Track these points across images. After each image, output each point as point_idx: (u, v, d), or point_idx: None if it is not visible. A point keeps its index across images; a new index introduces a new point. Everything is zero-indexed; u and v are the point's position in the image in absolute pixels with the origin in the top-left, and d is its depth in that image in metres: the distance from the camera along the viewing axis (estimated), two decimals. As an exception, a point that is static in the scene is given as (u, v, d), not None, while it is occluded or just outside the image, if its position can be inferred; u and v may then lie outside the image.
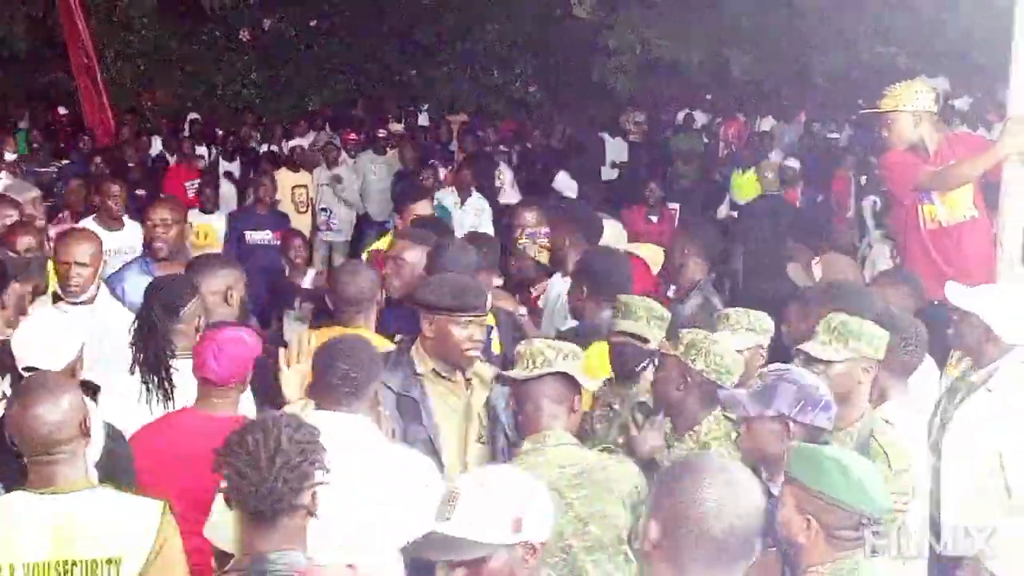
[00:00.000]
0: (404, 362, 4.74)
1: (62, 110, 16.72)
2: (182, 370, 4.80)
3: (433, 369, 4.72)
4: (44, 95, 18.56)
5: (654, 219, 12.01)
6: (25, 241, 6.54)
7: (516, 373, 4.24)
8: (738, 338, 5.05)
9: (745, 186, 13.82)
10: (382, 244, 7.58)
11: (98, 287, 6.09)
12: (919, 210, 6.81)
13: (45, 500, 3.49)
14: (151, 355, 4.88)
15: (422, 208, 7.59)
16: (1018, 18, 6.00)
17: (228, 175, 14.38)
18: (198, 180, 13.06)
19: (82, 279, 5.94)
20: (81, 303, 5.92)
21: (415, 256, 5.88)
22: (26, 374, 4.17)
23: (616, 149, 17.53)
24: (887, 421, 4.56)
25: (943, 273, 6.58)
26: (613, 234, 7.60)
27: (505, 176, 13.40)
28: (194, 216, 10.23)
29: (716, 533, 2.61)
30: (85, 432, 3.57)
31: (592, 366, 5.08)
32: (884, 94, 6.90)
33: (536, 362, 4.18)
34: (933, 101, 6.92)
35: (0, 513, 3.51)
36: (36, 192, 8.61)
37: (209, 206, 11.11)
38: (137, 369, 4.88)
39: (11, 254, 6.30)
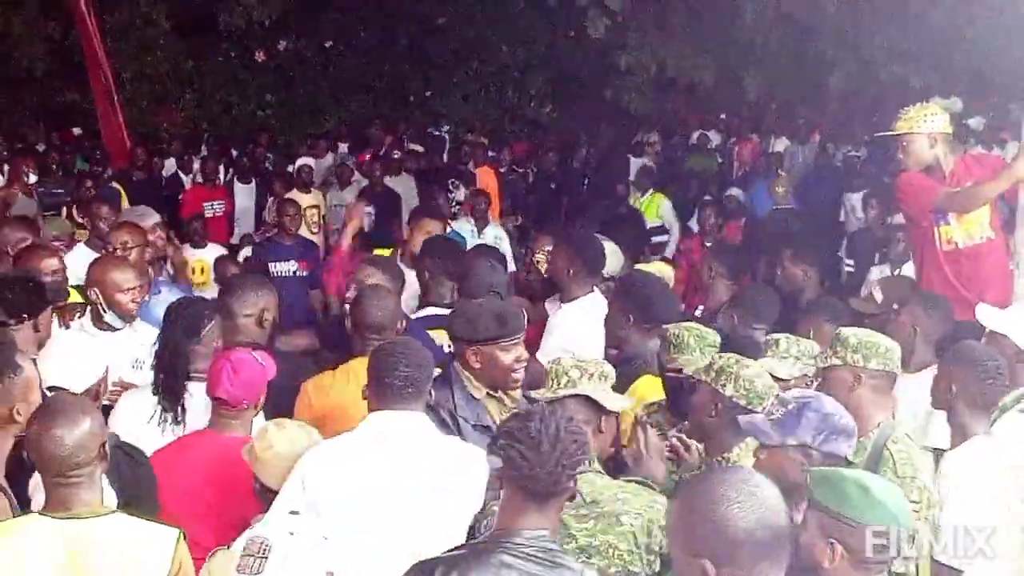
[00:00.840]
0: (464, 390, 4.72)
1: (77, 131, 16.75)
2: (195, 395, 4.85)
3: (488, 392, 4.73)
4: (62, 116, 18.63)
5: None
6: (51, 264, 6.55)
7: (540, 394, 4.24)
8: (785, 366, 5.02)
9: (647, 210, 13.83)
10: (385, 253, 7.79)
11: None
12: (936, 232, 6.82)
13: (62, 525, 3.48)
14: (172, 377, 4.93)
15: (434, 226, 7.60)
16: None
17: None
18: (219, 201, 13.08)
19: (137, 304, 6.00)
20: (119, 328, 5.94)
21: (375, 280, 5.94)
22: (49, 393, 4.20)
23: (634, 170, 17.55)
24: (937, 449, 4.58)
25: (960, 295, 6.61)
26: (615, 257, 7.63)
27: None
28: (188, 251, 10.26)
29: (767, 538, 2.64)
30: (103, 456, 3.57)
31: (643, 397, 5.10)
32: (899, 117, 6.90)
33: (560, 382, 4.19)
34: (947, 123, 6.92)
35: (17, 536, 3.51)
36: (157, 218, 8.64)
37: (198, 239, 10.65)
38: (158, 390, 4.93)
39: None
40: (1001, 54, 9.81)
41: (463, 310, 4.99)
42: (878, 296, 6.49)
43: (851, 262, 10.97)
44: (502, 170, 15.58)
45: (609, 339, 5.91)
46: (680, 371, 4.87)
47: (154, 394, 4.93)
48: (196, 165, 15.57)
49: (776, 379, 4.75)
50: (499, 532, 3.34)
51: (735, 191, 13.58)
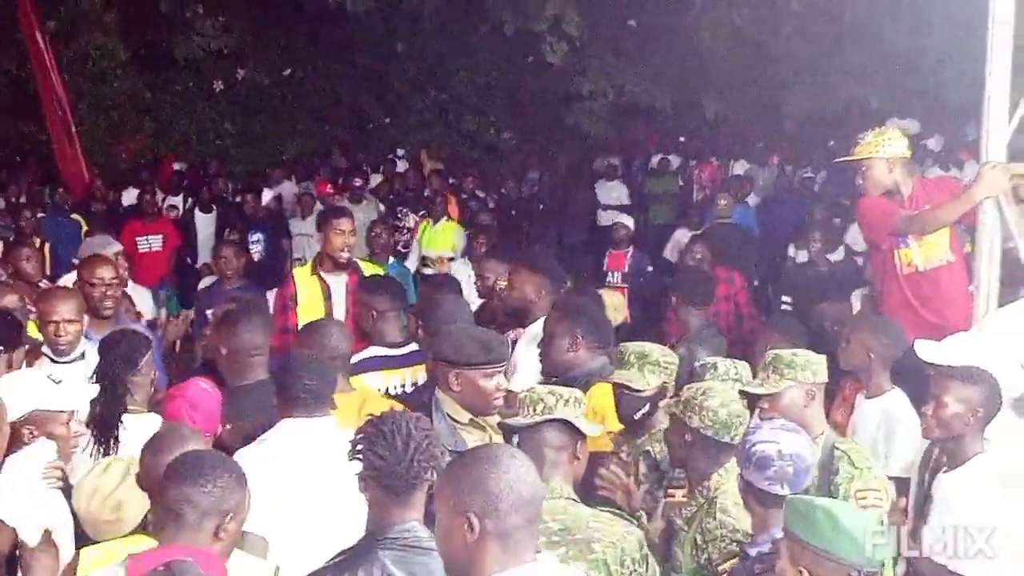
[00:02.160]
0: (446, 417, 4.72)
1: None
2: (129, 428, 4.87)
3: (471, 419, 4.73)
4: (18, 148, 18.51)
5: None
6: (10, 300, 6.49)
7: (516, 421, 4.23)
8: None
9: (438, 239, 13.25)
10: (305, 269, 7.75)
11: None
12: (896, 255, 6.86)
13: None
14: (108, 409, 4.93)
15: (345, 224, 7.61)
16: (990, 65, 6.09)
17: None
18: (155, 236, 12.79)
19: (71, 336, 5.96)
20: (73, 361, 5.89)
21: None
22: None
23: (610, 192, 17.67)
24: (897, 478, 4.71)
25: (921, 317, 6.65)
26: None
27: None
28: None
29: (525, 495, 2.87)
30: None
31: (602, 405, 5.16)
32: (857, 142, 6.95)
33: (536, 409, 4.17)
34: (906, 147, 6.98)
35: (120, 554, 3.57)
36: (119, 247, 8.58)
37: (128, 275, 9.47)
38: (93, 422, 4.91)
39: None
40: (956, 78, 9.93)
41: (448, 333, 4.99)
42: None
43: (788, 299, 10.67)
44: (463, 196, 15.58)
45: (551, 365, 5.75)
46: (619, 385, 5.05)
47: (88, 426, 4.87)
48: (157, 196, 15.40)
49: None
50: (371, 531, 3.49)
51: (622, 217, 12.93)
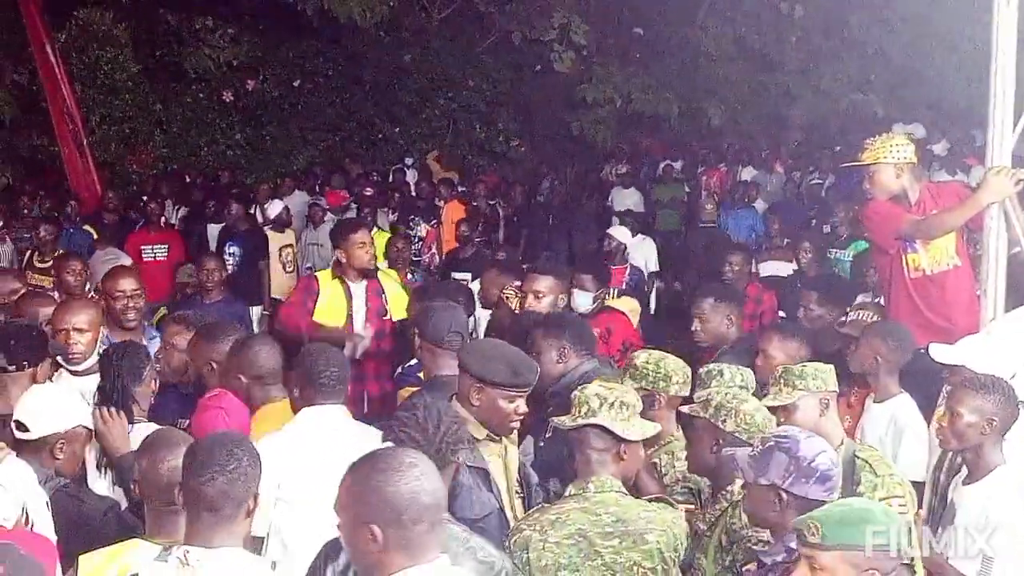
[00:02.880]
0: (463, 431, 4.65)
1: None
2: (134, 438, 4.87)
3: (488, 435, 4.68)
4: (30, 161, 18.61)
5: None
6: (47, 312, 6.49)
7: (561, 423, 4.32)
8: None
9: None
10: (326, 272, 7.92)
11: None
12: (903, 259, 6.90)
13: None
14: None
15: (362, 236, 7.76)
16: (995, 72, 6.16)
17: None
18: (160, 245, 12.68)
19: (82, 345, 5.94)
20: (89, 372, 5.87)
21: (184, 341, 5.90)
22: (16, 431, 4.28)
23: (624, 199, 17.75)
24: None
25: (929, 321, 6.71)
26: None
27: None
28: None
29: (426, 502, 2.97)
30: None
31: None
32: (865, 147, 7.02)
33: (581, 411, 4.25)
34: (913, 152, 7.03)
35: (122, 560, 3.64)
36: (129, 261, 8.65)
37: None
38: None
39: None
40: (959, 85, 10.01)
41: (480, 347, 5.02)
42: (867, 320, 6.60)
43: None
44: (474, 204, 15.67)
45: (544, 379, 5.43)
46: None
47: (95, 439, 4.93)
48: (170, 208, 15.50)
49: None
50: None
51: (616, 230, 12.25)
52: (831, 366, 5.12)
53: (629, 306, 7.88)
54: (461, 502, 4.26)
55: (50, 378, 5.70)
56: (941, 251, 6.87)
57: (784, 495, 3.79)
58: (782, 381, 4.99)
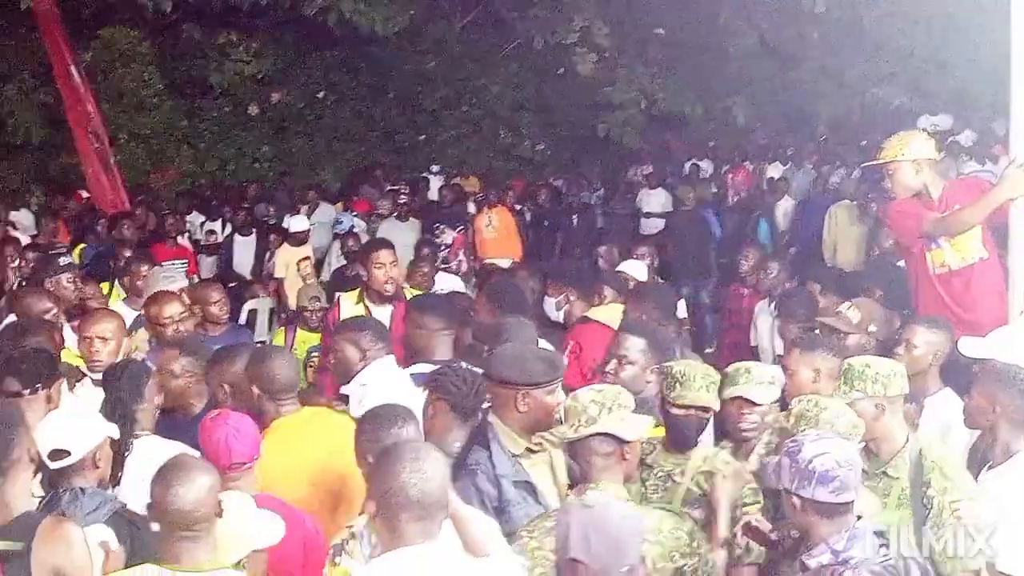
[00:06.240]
0: (502, 447, 4.64)
1: (84, 194, 16.80)
2: (134, 451, 4.97)
3: (527, 448, 4.69)
4: (59, 180, 18.77)
5: (746, 292, 10.22)
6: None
7: (563, 433, 4.28)
8: (760, 391, 5.02)
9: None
10: (352, 297, 7.64)
11: None
12: (927, 257, 6.88)
13: None
14: (119, 442, 4.95)
15: (384, 256, 7.46)
16: (1015, 64, 6.11)
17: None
18: (180, 261, 12.43)
19: (104, 354, 6.14)
20: None
21: (180, 367, 5.84)
22: (51, 462, 4.30)
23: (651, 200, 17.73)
24: None
25: (956, 316, 6.66)
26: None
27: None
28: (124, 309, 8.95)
29: (413, 496, 3.42)
30: (219, 513, 3.77)
31: None
32: (883, 146, 6.99)
33: (581, 420, 4.20)
34: (933, 148, 6.99)
35: None
36: (184, 282, 8.53)
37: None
38: None
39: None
40: (981, 76, 9.93)
41: (509, 355, 4.92)
42: (854, 316, 6.50)
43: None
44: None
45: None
46: (689, 407, 4.87)
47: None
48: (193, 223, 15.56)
49: (751, 403, 4.96)
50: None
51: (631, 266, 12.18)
52: (901, 367, 4.97)
53: (608, 314, 7.19)
54: (510, 517, 4.31)
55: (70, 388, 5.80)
56: (966, 245, 6.83)
57: (796, 499, 3.79)
58: (842, 378, 4.85)
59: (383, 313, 7.24)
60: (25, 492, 3.98)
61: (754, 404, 4.97)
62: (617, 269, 9.12)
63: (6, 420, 4.03)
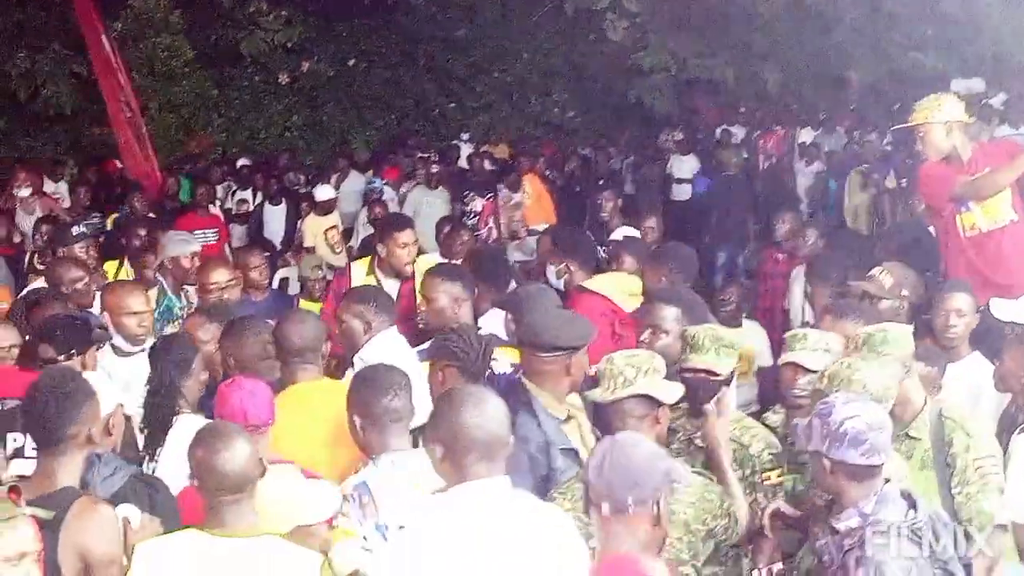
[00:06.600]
0: (547, 413, 4.65)
1: (118, 163, 16.85)
2: (177, 427, 4.95)
3: (569, 415, 4.73)
4: (92, 151, 18.87)
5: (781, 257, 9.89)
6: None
7: (599, 396, 4.34)
8: (815, 358, 4.92)
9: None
10: (363, 265, 7.57)
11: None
12: (958, 219, 6.85)
13: (220, 542, 3.70)
14: (162, 414, 5.05)
15: (407, 236, 7.37)
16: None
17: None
18: (212, 230, 12.53)
19: (146, 328, 6.25)
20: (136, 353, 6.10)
21: (208, 334, 5.83)
22: None
23: (683, 166, 17.65)
24: None
25: (987, 279, 6.64)
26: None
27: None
28: None
29: (479, 437, 3.52)
30: (262, 474, 3.82)
31: None
32: (914, 108, 6.96)
33: (617, 383, 4.27)
34: (963, 111, 6.96)
35: (175, 550, 3.73)
36: (198, 246, 8.24)
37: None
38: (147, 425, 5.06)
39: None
40: (1015, 39, 9.82)
41: (553, 320, 4.93)
42: (887, 280, 6.44)
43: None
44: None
45: None
46: (698, 371, 4.87)
47: (141, 430, 5.04)
48: (220, 192, 15.59)
49: (807, 371, 4.87)
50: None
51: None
52: (909, 329, 5.03)
53: (608, 283, 7.01)
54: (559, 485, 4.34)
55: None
56: (996, 208, 6.83)
57: (827, 461, 3.78)
58: (865, 347, 4.80)
59: (392, 286, 7.14)
60: (74, 469, 3.98)
61: (807, 370, 4.88)
62: (611, 238, 8.78)
63: (72, 395, 4.01)
